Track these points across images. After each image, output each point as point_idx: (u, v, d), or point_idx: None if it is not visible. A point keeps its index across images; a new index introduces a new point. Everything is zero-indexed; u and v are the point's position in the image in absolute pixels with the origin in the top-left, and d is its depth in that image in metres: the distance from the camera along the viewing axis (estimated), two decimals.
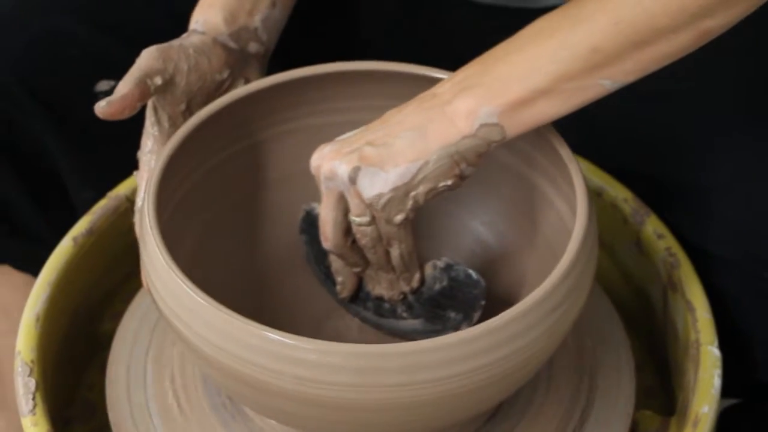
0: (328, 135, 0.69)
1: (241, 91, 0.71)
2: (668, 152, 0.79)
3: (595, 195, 0.79)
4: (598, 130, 0.80)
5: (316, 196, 0.70)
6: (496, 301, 0.70)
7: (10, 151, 0.83)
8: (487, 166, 0.70)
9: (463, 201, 0.75)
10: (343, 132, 0.68)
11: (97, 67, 0.83)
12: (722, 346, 0.72)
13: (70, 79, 0.83)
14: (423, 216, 0.76)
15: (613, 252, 0.82)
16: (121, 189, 0.80)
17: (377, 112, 0.67)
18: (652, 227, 0.78)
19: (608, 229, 0.80)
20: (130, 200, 0.79)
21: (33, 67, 0.82)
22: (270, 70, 0.75)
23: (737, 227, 0.75)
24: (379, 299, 0.73)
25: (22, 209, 0.85)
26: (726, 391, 0.72)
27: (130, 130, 0.75)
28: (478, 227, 0.76)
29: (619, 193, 0.80)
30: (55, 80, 0.83)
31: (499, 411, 0.71)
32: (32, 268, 0.80)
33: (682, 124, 0.79)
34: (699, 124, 0.79)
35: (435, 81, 0.68)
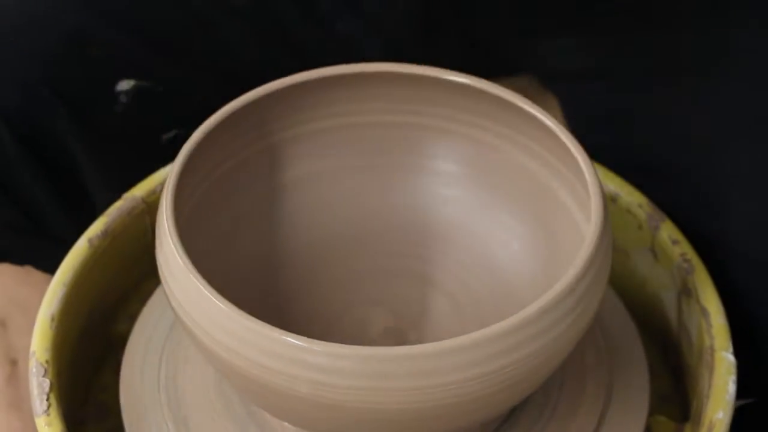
0: (347, 135, 0.69)
1: (259, 90, 0.71)
2: (685, 145, 0.79)
3: (609, 200, 0.79)
4: (615, 127, 0.80)
5: (335, 197, 0.69)
6: (509, 304, 0.70)
7: (37, 151, 0.84)
8: (503, 168, 0.71)
9: (478, 203, 0.76)
10: (363, 133, 0.67)
11: (119, 67, 0.84)
12: (740, 346, 0.72)
13: (94, 80, 0.84)
14: (437, 219, 0.77)
15: (627, 257, 0.82)
16: (137, 191, 0.80)
17: (398, 114, 0.67)
18: (667, 233, 0.78)
19: (622, 235, 0.80)
20: (146, 202, 0.79)
21: (59, 68, 0.83)
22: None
23: (759, 222, 0.75)
24: None
25: (46, 210, 0.85)
26: (742, 392, 0.72)
27: (152, 132, 0.76)
28: (492, 229, 0.76)
29: (633, 198, 0.80)
30: (79, 81, 0.84)
31: (511, 417, 0.71)
32: (55, 268, 0.80)
33: (698, 116, 0.79)
34: (716, 118, 0.79)
35: (457, 85, 0.68)
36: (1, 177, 0.84)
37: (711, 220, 0.78)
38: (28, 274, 0.84)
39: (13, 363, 0.81)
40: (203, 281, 0.61)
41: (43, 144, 0.84)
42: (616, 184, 0.80)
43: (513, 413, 0.71)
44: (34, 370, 0.71)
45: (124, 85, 0.83)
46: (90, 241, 0.77)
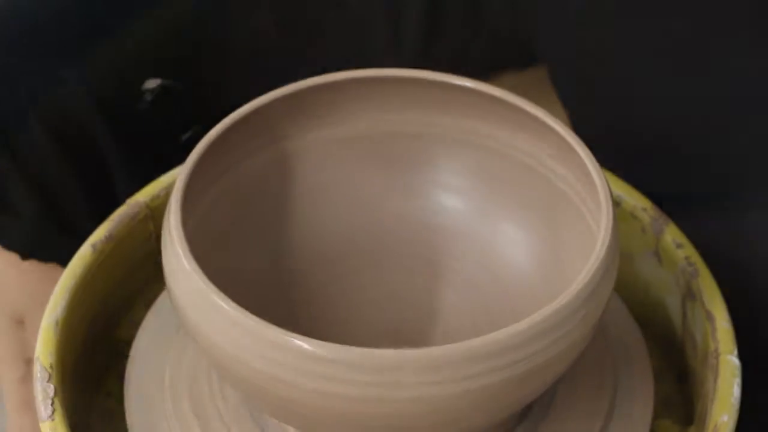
0: (361, 142, 0.69)
1: (271, 95, 0.71)
2: (696, 124, 0.79)
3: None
4: (620, 110, 0.80)
5: (342, 204, 0.69)
6: (516, 309, 0.70)
7: (67, 146, 0.84)
8: (511, 172, 0.71)
9: (487, 207, 0.76)
10: (370, 140, 0.67)
11: (145, 63, 0.84)
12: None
13: (121, 75, 0.84)
14: (445, 224, 0.77)
15: (632, 261, 0.82)
16: (140, 196, 0.80)
17: (404, 121, 0.67)
18: (671, 236, 0.78)
19: (627, 239, 0.80)
20: (149, 207, 0.79)
21: (88, 63, 0.84)
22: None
23: None
24: None
25: (74, 206, 0.86)
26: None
27: (175, 131, 0.75)
28: (500, 233, 0.76)
29: (638, 202, 0.80)
30: (107, 77, 0.84)
31: (515, 424, 0.71)
32: None
33: (708, 93, 0.80)
34: (727, 94, 0.79)
35: (465, 90, 0.68)
36: (31, 171, 0.84)
37: (725, 197, 0.78)
38: (53, 271, 0.84)
39: (29, 362, 0.81)
40: (210, 284, 0.61)
41: (73, 139, 0.85)
42: (619, 188, 0.81)
43: (516, 418, 0.71)
44: (38, 375, 0.70)
45: (151, 83, 0.84)
46: (94, 246, 0.77)
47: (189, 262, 0.62)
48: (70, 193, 0.86)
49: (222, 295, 0.60)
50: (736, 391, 0.70)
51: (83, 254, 0.76)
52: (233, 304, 0.60)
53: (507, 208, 0.75)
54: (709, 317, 0.73)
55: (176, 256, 0.62)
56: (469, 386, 0.59)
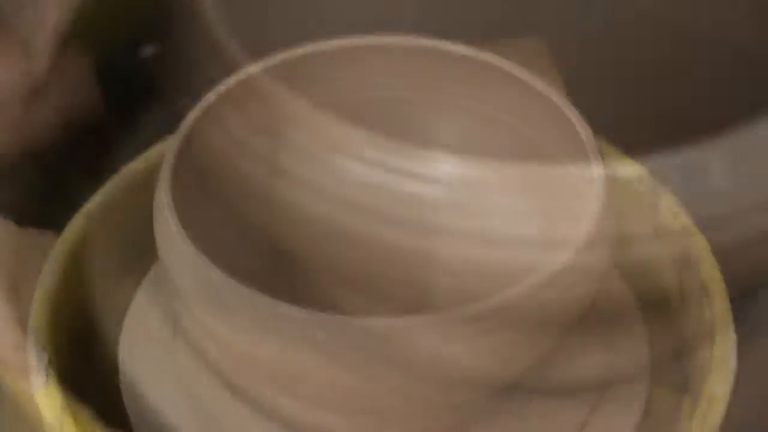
0: (353, 110, 0.69)
1: (264, 62, 0.71)
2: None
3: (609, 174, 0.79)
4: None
5: (343, 174, 0.69)
6: (514, 273, 0.70)
7: (63, 114, 0.84)
8: (503, 140, 0.71)
9: (479, 177, 0.76)
10: (379, 109, 0.68)
11: (143, 29, 0.84)
12: None
13: (119, 42, 0.85)
14: (438, 196, 0.77)
15: (626, 231, 0.81)
16: (135, 164, 0.80)
17: (403, 90, 0.68)
18: (667, 207, 0.78)
19: (621, 208, 0.80)
20: (144, 176, 0.78)
21: (86, 28, 0.84)
22: None
23: None
24: None
25: (69, 174, 0.86)
26: None
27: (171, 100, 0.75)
28: (494, 203, 0.76)
29: (633, 171, 0.80)
30: (106, 44, 0.84)
31: (507, 393, 0.71)
32: None
33: None
34: None
35: (453, 57, 0.68)
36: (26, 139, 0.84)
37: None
38: (49, 238, 0.84)
39: (24, 330, 0.81)
40: (200, 253, 0.61)
41: (69, 106, 0.85)
42: (616, 158, 0.80)
43: (514, 387, 0.71)
44: (32, 343, 0.71)
45: (147, 50, 0.84)
46: (88, 214, 0.77)
47: (178, 230, 0.62)
48: (66, 161, 0.86)
49: (212, 264, 0.61)
50: (732, 362, 0.70)
51: (77, 223, 0.76)
52: (224, 275, 0.60)
53: (501, 177, 0.75)
54: (705, 287, 0.73)
55: (166, 224, 0.63)
56: (469, 349, 0.60)
